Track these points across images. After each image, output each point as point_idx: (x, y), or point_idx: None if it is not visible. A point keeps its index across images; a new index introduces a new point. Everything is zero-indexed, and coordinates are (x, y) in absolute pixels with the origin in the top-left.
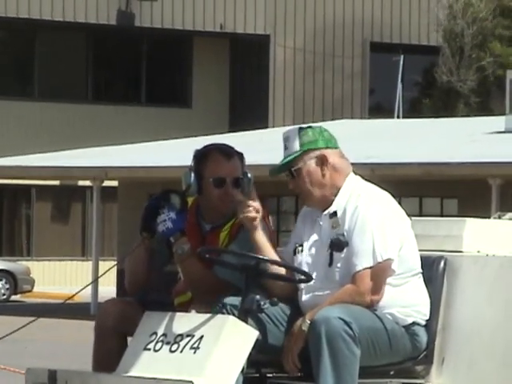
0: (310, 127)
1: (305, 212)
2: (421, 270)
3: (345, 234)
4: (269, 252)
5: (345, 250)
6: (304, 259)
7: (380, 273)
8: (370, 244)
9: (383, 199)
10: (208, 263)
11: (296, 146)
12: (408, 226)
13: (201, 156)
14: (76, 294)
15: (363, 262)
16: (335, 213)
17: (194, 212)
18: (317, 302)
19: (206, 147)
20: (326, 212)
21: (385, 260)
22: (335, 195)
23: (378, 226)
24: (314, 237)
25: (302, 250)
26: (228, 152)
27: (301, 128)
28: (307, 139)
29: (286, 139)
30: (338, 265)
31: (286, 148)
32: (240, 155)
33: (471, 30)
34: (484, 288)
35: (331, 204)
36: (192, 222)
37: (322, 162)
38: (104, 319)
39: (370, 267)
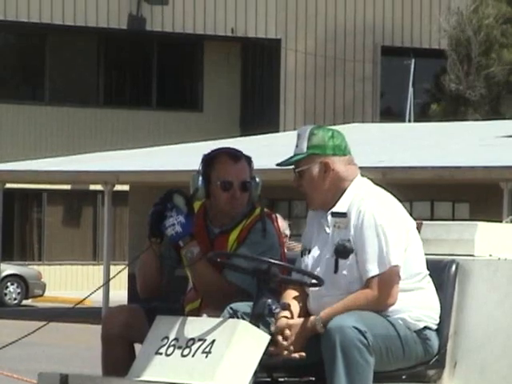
0: (322, 129)
1: (312, 214)
2: (427, 273)
3: (351, 239)
4: None
5: (350, 257)
6: (310, 263)
7: (391, 278)
8: (377, 251)
9: (387, 203)
10: (218, 266)
11: (303, 146)
12: (412, 229)
13: (208, 160)
14: (86, 298)
15: (374, 267)
16: (338, 213)
17: (202, 216)
18: (325, 307)
19: (213, 151)
20: (329, 212)
21: (393, 266)
22: (339, 197)
23: (384, 232)
24: (320, 240)
25: (308, 253)
26: (235, 155)
27: (313, 128)
28: (315, 142)
29: (298, 137)
30: (344, 272)
31: (296, 145)
32: (248, 159)
33: (478, 37)
34: (496, 292)
35: (334, 205)
36: (200, 225)
37: (326, 169)
38: (109, 327)
39: (382, 273)
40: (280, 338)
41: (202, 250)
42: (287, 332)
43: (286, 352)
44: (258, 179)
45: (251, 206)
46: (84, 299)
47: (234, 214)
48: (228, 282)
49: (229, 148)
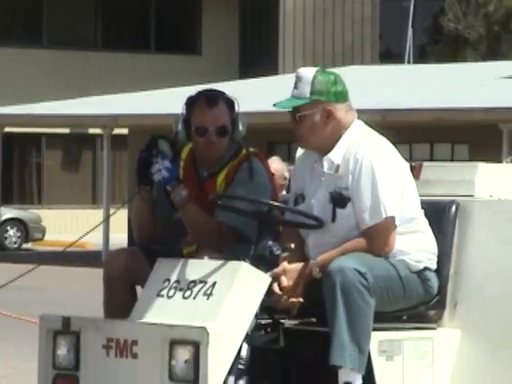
0: (324, 73)
1: (302, 157)
2: (423, 216)
3: (348, 187)
4: None
5: (348, 206)
6: (306, 210)
7: (387, 228)
8: (374, 200)
9: (382, 149)
10: (208, 208)
11: (306, 91)
12: (407, 172)
13: (190, 103)
14: (79, 239)
15: (371, 217)
16: (332, 163)
17: (191, 160)
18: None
19: (195, 94)
20: (325, 157)
21: (389, 216)
22: (335, 143)
23: (381, 181)
24: (314, 187)
25: (303, 201)
26: (212, 99)
27: (316, 72)
28: (318, 88)
29: (298, 79)
30: (342, 221)
31: (296, 87)
32: (229, 101)
33: None
34: (496, 232)
35: (330, 151)
36: (189, 170)
37: (328, 115)
38: (110, 270)
39: (378, 224)
40: (276, 286)
41: (191, 194)
42: (283, 279)
43: (283, 299)
44: (241, 122)
45: (237, 147)
46: (77, 240)
47: (211, 159)
48: (220, 223)
49: (209, 91)
